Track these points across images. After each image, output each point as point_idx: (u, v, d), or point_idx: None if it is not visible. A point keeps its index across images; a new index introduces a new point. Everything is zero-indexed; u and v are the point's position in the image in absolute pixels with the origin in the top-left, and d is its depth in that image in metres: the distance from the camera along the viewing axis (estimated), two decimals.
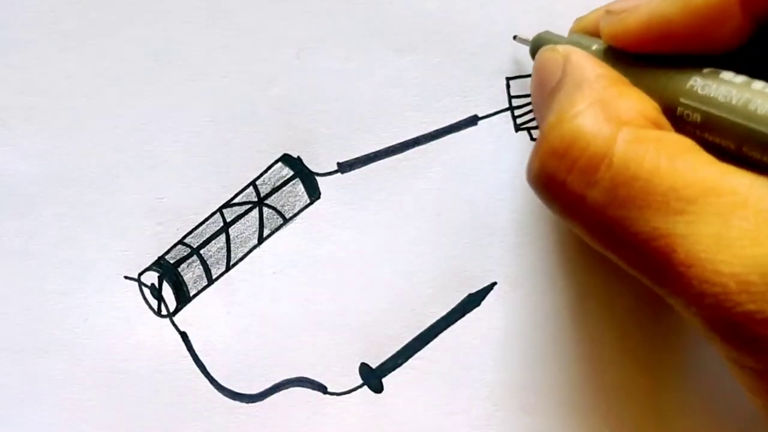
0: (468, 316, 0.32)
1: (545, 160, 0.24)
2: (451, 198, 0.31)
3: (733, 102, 0.23)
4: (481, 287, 0.32)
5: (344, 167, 0.32)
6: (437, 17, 0.31)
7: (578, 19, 0.29)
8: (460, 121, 0.31)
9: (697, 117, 0.24)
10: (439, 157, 0.31)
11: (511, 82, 0.31)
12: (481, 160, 0.31)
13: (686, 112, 0.24)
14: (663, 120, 0.24)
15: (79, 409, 0.32)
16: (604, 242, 0.24)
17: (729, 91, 0.23)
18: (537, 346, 0.32)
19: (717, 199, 0.21)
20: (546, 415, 0.32)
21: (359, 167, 0.32)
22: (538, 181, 0.25)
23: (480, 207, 0.31)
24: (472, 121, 0.31)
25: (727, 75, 0.24)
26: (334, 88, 0.31)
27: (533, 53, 0.29)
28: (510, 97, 0.31)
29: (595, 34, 0.28)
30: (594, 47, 0.27)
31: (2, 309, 0.31)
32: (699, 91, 0.24)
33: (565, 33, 0.30)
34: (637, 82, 0.25)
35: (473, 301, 0.32)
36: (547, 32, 0.30)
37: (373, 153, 0.31)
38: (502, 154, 0.31)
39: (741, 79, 0.24)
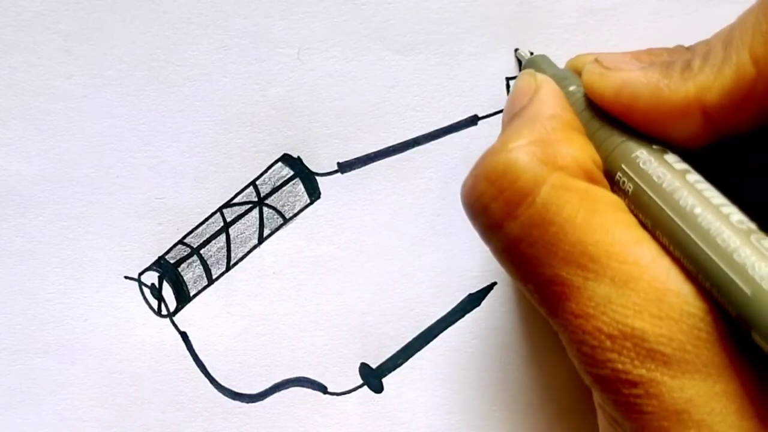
0: (468, 316, 0.32)
1: (477, 180, 0.25)
2: (451, 198, 0.31)
3: (663, 185, 0.23)
4: (481, 287, 0.32)
5: (344, 167, 0.32)
6: (437, 17, 0.31)
7: (577, 56, 0.29)
8: (460, 121, 0.31)
9: (630, 188, 0.24)
10: (439, 157, 0.32)
11: (511, 82, 0.31)
12: None
13: (623, 179, 0.25)
14: (599, 175, 0.25)
15: (79, 409, 0.32)
16: (512, 271, 0.25)
17: (664, 173, 0.24)
18: (537, 346, 0.32)
19: (618, 265, 0.23)
20: (546, 415, 0.32)
21: (359, 167, 0.32)
22: (466, 199, 0.26)
23: None
24: (472, 121, 0.31)
25: (671, 157, 0.24)
26: (334, 88, 0.31)
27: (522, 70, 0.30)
28: None
29: None
30: (572, 88, 0.27)
31: (2, 309, 0.31)
32: (640, 164, 0.24)
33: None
34: (593, 134, 0.26)
35: (473, 301, 0.32)
36: (542, 56, 0.30)
37: (373, 153, 0.31)
38: None
39: (681, 166, 0.24)
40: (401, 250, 0.32)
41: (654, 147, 0.24)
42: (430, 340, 0.32)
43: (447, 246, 0.32)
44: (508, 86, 0.31)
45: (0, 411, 0.31)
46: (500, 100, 0.31)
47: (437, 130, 0.32)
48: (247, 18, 0.31)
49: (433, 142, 0.32)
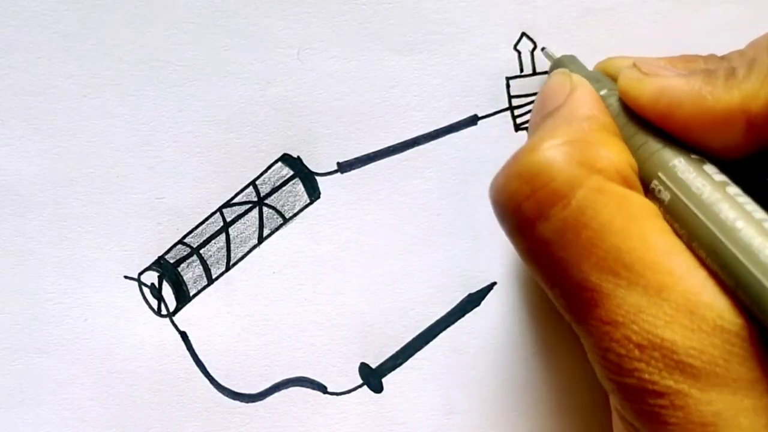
0: (468, 316, 0.32)
1: (509, 178, 0.25)
2: (451, 198, 0.31)
3: (703, 197, 0.23)
4: (481, 287, 0.32)
5: (344, 167, 0.32)
6: (437, 17, 0.31)
7: (609, 58, 0.29)
8: (460, 121, 0.31)
9: (666, 197, 0.24)
10: (439, 157, 0.31)
11: (511, 82, 0.31)
12: (481, 160, 0.31)
13: (659, 187, 0.24)
14: (635, 180, 0.24)
15: (79, 409, 0.32)
16: (539, 274, 0.25)
17: (704, 184, 0.23)
18: (537, 345, 0.32)
19: (651, 274, 0.22)
20: (546, 415, 0.32)
21: (359, 167, 0.32)
22: (497, 197, 0.25)
23: (480, 207, 0.31)
24: (472, 121, 0.31)
25: (710, 168, 0.24)
26: (334, 88, 0.31)
27: (551, 70, 0.29)
28: (510, 97, 0.31)
29: (616, 77, 0.28)
30: (603, 92, 0.27)
31: (2, 309, 0.31)
32: (678, 174, 0.24)
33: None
34: (629, 139, 0.25)
35: (473, 301, 0.32)
36: (572, 57, 0.30)
37: (373, 153, 0.31)
38: (502, 154, 0.31)
39: (720, 177, 0.24)
40: (401, 250, 0.32)
41: (692, 156, 0.24)
42: (430, 340, 0.32)
43: (447, 246, 0.32)
44: (508, 86, 0.31)
45: (0, 411, 0.31)
46: (500, 100, 0.31)
47: (437, 130, 0.32)
48: (247, 18, 0.31)
49: (433, 142, 0.32)
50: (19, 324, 0.31)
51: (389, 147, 0.31)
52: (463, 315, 0.32)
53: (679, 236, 0.23)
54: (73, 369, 0.32)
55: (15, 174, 0.31)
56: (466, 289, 0.32)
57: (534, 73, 0.31)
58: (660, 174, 0.24)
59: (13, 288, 0.31)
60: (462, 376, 0.32)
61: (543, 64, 0.31)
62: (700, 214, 0.23)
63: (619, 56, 0.28)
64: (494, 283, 0.32)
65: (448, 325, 0.32)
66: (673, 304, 0.22)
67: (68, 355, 0.31)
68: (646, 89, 0.25)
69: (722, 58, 0.26)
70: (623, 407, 0.23)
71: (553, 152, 0.24)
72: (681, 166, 0.24)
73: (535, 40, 0.31)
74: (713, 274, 0.22)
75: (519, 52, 0.31)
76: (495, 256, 0.31)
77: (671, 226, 0.24)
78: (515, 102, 0.31)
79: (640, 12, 0.31)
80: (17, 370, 0.31)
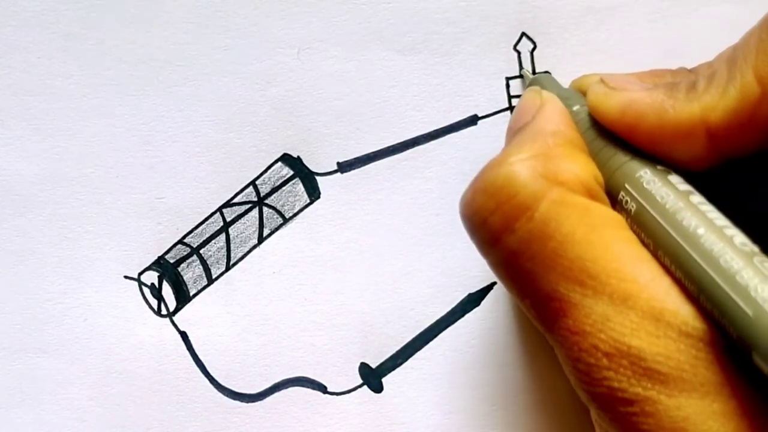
0: (468, 316, 0.32)
1: (476, 194, 0.25)
2: (451, 198, 0.31)
3: (667, 206, 0.23)
4: (481, 287, 0.32)
5: (344, 167, 0.32)
6: (437, 17, 0.31)
7: (582, 76, 0.29)
8: (460, 121, 0.31)
9: (633, 207, 0.24)
10: (439, 157, 0.32)
11: (511, 82, 0.31)
12: (481, 160, 0.31)
13: (626, 198, 0.24)
14: (599, 192, 0.25)
15: (79, 409, 0.32)
16: (508, 285, 0.25)
17: (667, 193, 0.24)
18: (537, 345, 0.32)
19: (616, 282, 0.22)
20: (546, 415, 0.32)
21: (359, 167, 0.32)
22: (465, 212, 0.26)
23: None
24: (472, 121, 0.31)
25: (674, 178, 0.24)
26: (334, 88, 0.31)
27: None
28: (510, 97, 0.31)
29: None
30: (575, 108, 0.27)
31: (2, 308, 0.31)
32: (644, 184, 0.24)
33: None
34: (597, 153, 0.26)
35: (473, 301, 0.32)
36: (546, 75, 0.30)
37: (373, 153, 0.31)
38: None
39: (685, 187, 0.24)
40: (401, 250, 0.32)
41: (658, 168, 0.24)
42: (430, 340, 0.32)
43: (447, 246, 0.32)
44: (508, 86, 0.31)
45: (0, 411, 0.31)
46: (500, 100, 0.31)
47: (437, 130, 0.32)
48: (247, 18, 0.31)
49: (432, 142, 0.32)
50: (19, 324, 0.31)
51: (389, 147, 0.31)
52: (463, 315, 0.32)
53: (646, 246, 0.24)
54: (73, 369, 0.32)
55: (15, 174, 0.31)
56: (466, 289, 0.32)
57: (534, 73, 0.31)
58: (626, 185, 0.25)
59: (13, 288, 0.31)
60: (462, 376, 0.32)
61: (543, 64, 0.31)
62: (663, 222, 0.23)
63: (592, 73, 0.29)
64: (494, 283, 0.32)
65: (448, 325, 0.32)
66: (638, 311, 0.22)
67: (68, 355, 0.31)
68: (613, 103, 0.25)
69: (690, 70, 0.27)
70: (599, 416, 0.23)
71: (517, 167, 0.24)
72: (646, 176, 0.24)
73: (535, 40, 0.31)
74: (678, 282, 0.23)
75: (519, 52, 0.31)
76: None
77: (638, 236, 0.24)
78: (515, 102, 0.31)
79: (640, 12, 0.31)
80: (17, 370, 0.31)
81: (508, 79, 0.31)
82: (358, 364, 0.32)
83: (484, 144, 0.31)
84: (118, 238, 0.31)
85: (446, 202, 0.32)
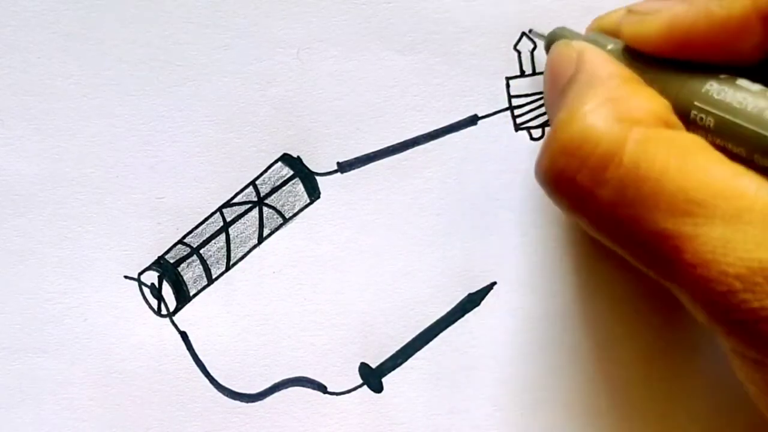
0: (468, 316, 0.32)
1: (555, 157, 0.24)
2: (451, 198, 0.31)
3: (748, 109, 0.23)
4: (481, 287, 0.32)
5: (344, 167, 0.32)
6: (437, 17, 0.31)
7: (597, 18, 0.29)
8: (460, 121, 0.31)
9: (711, 122, 0.24)
10: (439, 157, 0.31)
11: (511, 82, 0.31)
12: (481, 160, 0.31)
13: (700, 115, 0.24)
14: (675, 120, 0.24)
15: (79, 409, 0.32)
16: (613, 239, 0.24)
17: (744, 97, 0.23)
18: (537, 346, 0.32)
19: (725, 202, 0.22)
20: (546, 415, 0.32)
21: (359, 167, 0.32)
22: (547, 178, 0.25)
23: (480, 207, 0.31)
24: (472, 121, 0.31)
25: (743, 82, 0.24)
26: (334, 88, 0.31)
27: (548, 48, 0.29)
28: (510, 97, 0.31)
29: (612, 33, 0.27)
30: (610, 46, 0.27)
31: (2, 309, 0.31)
32: (714, 96, 0.24)
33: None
34: (652, 83, 0.25)
35: (473, 301, 0.32)
36: (563, 28, 0.30)
37: (373, 153, 0.31)
38: (502, 154, 0.31)
39: (757, 87, 0.24)
40: (401, 250, 0.32)
41: (721, 77, 0.24)
42: (430, 340, 0.32)
43: (447, 246, 0.32)
44: (508, 86, 0.31)
45: (0, 411, 0.31)
46: (500, 100, 0.31)
47: (437, 130, 0.31)
48: (247, 18, 0.31)
49: (432, 142, 0.31)
50: (19, 324, 0.31)
51: (389, 147, 0.31)
52: (463, 315, 0.32)
53: (737, 156, 0.23)
54: (72, 369, 0.31)
55: (15, 174, 0.31)
56: (466, 289, 0.32)
57: (534, 73, 0.31)
58: (696, 103, 0.24)
59: (13, 288, 0.31)
60: (462, 376, 0.32)
61: (543, 64, 0.31)
62: (751, 126, 0.23)
63: (606, 13, 0.28)
64: (494, 283, 0.32)
65: (448, 325, 0.32)
66: (757, 224, 0.22)
67: (68, 355, 0.31)
68: (654, 27, 0.25)
69: None
70: (743, 344, 0.22)
71: (590, 118, 0.24)
72: (714, 88, 0.24)
73: (535, 40, 0.31)
74: None
75: (519, 52, 0.31)
76: (495, 256, 0.31)
77: (724, 148, 0.23)
78: (515, 102, 0.31)
79: None
80: (17, 370, 0.31)
81: (508, 79, 0.31)
82: (358, 364, 0.32)
83: (484, 144, 0.31)
84: (118, 238, 0.31)
85: (446, 202, 0.31)
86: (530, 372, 0.32)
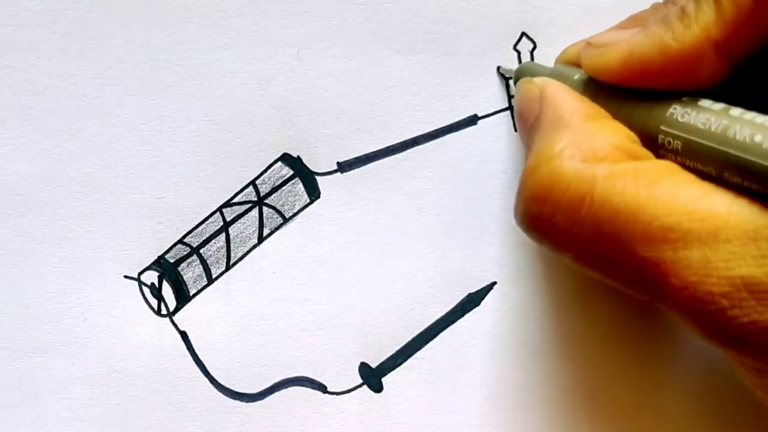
0: (468, 316, 0.32)
1: (528, 203, 0.25)
2: (451, 198, 0.31)
3: (712, 128, 0.23)
4: (481, 287, 0.32)
5: (344, 167, 0.32)
6: (437, 17, 0.31)
7: (564, 50, 0.29)
8: (460, 121, 0.31)
9: (678, 144, 0.24)
10: (439, 157, 0.32)
11: (511, 82, 0.31)
12: (481, 160, 0.31)
13: (667, 139, 0.24)
14: (640, 150, 0.25)
15: (79, 409, 0.32)
16: (599, 273, 0.25)
17: (708, 118, 0.23)
18: (536, 345, 0.32)
19: (699, 224, 0.22)
20: (545, 415, 0.32)
21: (359, 167, 0.32)
22: (526, 224, 0.26)
23: (480, 207, 0.31)
24: (472, 121, 0.31)
25: (705, 102, 0.24)
26: (334, 88, 0.31)
27: (516, 83, 0.30)
28: (510, 97, 0.31)
29: (578, 64, 0.28)
30: (576, 77, 0.27)
31: (2, 308, 0.31)
32: (679, 119, 0.24)
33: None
34: (617, 113, 0.26)
35: (473, 301, 0.32)
36: (529, 63, 0.30)
37: (373, 153, 0.31)
38: (502, 154, 0.31)
39: (719, 106, 0.24)
40: (401, 250, 0.32)
41: (683, 99, 0.24)
42: (430, 340, 0.32)
43: (447, 246, 0.32)
44: (508, 86, 0.31)
45: (0, 411, 0.31)
46: (500, 100, 0.31)
47: (437, 130, 0.32)
48: (247, 18, 0.31)
49: (432, 142, 0.32)
50: (19, 324, 0.31)
51: (389, 147, 0.31)
52: (463, 315, 0.32)
53: (707, 175, 0.23)
54: (72, 369, 0.31)
55: (15, 174, 0.31)
56: (466, 289, 0.32)
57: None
58: (662, 127, 0.24)
59: (13, 288, 0.31)
60: (462, 376, 0.32)
61: (543, 64, 0.31)
62: (717, 145, 0.23)
63: (572, 44, 0.29)
64: (494, 283, 0.32)
65: (448, 325, 0.32)
66: (734, 240, 0.22)
67: (68, 355, 0.31)
68: (611, 59, 0.25)
69: (666, 2, 0.26)
70: (740, 356, 0.23)
71: (555, 162, 0.24)
72: (678, 111, 0.24)
73: (535, 40, 0.31)
74: (754, 197, 0.22)
75: (519, 52, 0.31)
76: (495, 256, 0.31)
77: (695, 169, 0.24)
78: (515, 102, 0.31)
79: None
80: (17, 370, 0.31)
81: (508, 79, 0.31)
82: (358, 364, 0.32)
83: (484, 144, 0.31)
84: (118, 238, 0.31)
85: (446, 202, 0.32)
86: (530, 372, 0.32)
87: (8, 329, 0.31)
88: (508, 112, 0.31)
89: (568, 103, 0.26)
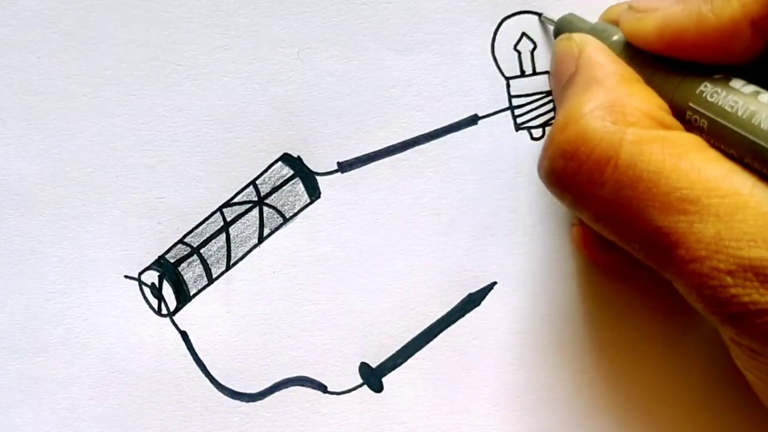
0: (468, 316, 0.32)
1: (554, 160, 0.25)
2: (451, 198, 0.31)
3: (739, 113, 0.23)
4: (481, 287, 0.32)
5: (344, 167, 0.32)
6: (437, 17, 0.31)
7: (608, 8, 0.29)
8: (460, 121, 0.31)
9: (704, 123, 0.24)
10: (439, 156, 0.31)
11: (511, 82, 0.31)
12: (481, 160, 0.31)
13: (694, 117, 0.24)
14: (671, 120, 0.25)
15: (79, 409, 0.32)
16: (612, 234, 0.25)
17: (736, 101, 0.23)
18: (537, 346, 0.32)
19: (719, 200, 0.23)
20: (546, 415, 0.32)
21: (359, 167, 0.32)
22: (549, 179, 0.26)
23: (480, 207, 0.31)
24: (472, 120, 0.31)
25: (737, 83, 0.24)
26: (334, 88, 0.31)
27: (556, 35, 0.30)
28: (510, 97, 0.31)
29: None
30: (615, 38, 0.27)
31: (2, 308, 0.31)
32: (707, 98, 0.24)
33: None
34: (650, 80, 0.26)
35: (473, 301, 0.32)
36: (571, 15, 0.30)
37: (373, 153, 0.31)
38: (502, 154, 0.31)
39: (750, 89, 0.24)
40: (401, 250, 0.32)
41: (716, 77, 0.24)
42: (430, 340, 0.32)
43: (447, 246, 0.32)
44: (508, 86, 0.31)
45: (0, 411, 0.31)
46: (500, 99, 0.31)
47: (437, 130, 0.31)
48: (247, 18, 0.31)
49: (433, 142, 0.31)
50: (19, 323, 0.31)
51: (389, 147, 0.31)
52: (463, 315, 0.32)
53: (731, 156, 0.24)
54: (73, 369, 0.32)
55: (15, 174, 0.31)
56: (466, 289, 0.32)
57: (534, 73, 0.31)
58: (690, 104, 0.25)
59: (13, 288, 0.31)
60: (462, 376, 0.32)
61: (543, 64, 0.31)
62: (741, 131, 0.23)
63: (618, 3, 0.29)
64: (494, 283, 0.32)
65: (448, 325, 0.32)
66: (750, 222, 0.22)
67: (68, 355, 0.31)
68: (649, 26, 0.26)
69: None
70: (737, 335, 0.23)
71: (585, 121, 0.25)
72: (708, 90, 0.24)
73: (535, 40, 0.31)
74: None
75: (519, 52, 0.31)
76: (495, 256, 0.31)
77: (719, 149, 0.24)
78: (515, 102, 0.31)
79: None
80: (17, 370, 0.32)
81: (508, 79, 0.31)
82: (358, 364, 0.32)
83: (484, 144, 0.31)
84: (118, 238, 0.31)
85: (446, 202, 0.32)
86: (530, 372, 0.32)
87: (8, 329, 0.31)
88: (508, 112, 0.31)
89: (604, 63, 0.26)
